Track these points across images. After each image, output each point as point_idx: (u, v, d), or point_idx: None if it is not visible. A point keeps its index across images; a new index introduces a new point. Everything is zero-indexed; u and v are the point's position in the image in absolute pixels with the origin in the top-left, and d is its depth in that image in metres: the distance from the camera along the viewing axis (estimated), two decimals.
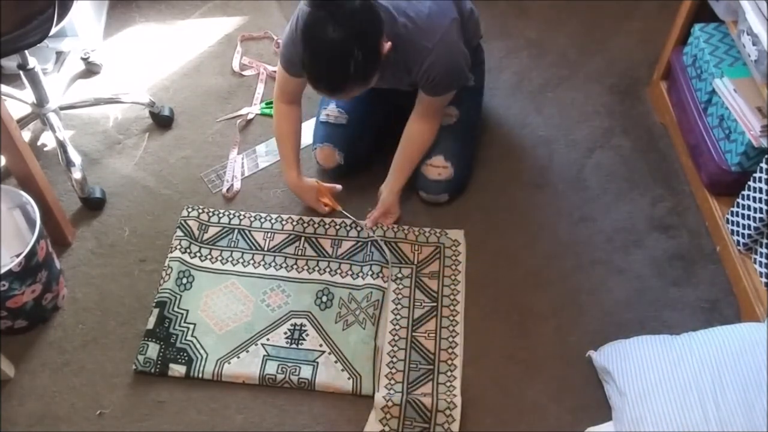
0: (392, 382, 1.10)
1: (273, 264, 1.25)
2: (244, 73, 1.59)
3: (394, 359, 1.13)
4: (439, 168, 1.26)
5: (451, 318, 1.18)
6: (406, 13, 1.06)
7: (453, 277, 1.23)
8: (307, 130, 1.47)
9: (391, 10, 1.05)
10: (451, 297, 1.21)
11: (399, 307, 1.19)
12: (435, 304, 1.20)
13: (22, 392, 1.10)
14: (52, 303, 1.18)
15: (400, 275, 1.22)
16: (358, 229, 1.29)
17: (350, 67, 0.97)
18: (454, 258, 1.25)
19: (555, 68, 1.58)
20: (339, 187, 1.29)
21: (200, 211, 1.32)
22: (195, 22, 1.70)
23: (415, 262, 1.24)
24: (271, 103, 1.53)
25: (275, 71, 1.58)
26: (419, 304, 1.20)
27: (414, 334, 1.16)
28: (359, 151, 1.32)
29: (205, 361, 1.12)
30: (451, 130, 1.27)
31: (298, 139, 1.27)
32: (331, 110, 1.32)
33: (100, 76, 1.58)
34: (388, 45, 1.02)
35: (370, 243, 1.26)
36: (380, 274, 1.21)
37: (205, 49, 1.64)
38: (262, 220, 1.31)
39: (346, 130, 1.30)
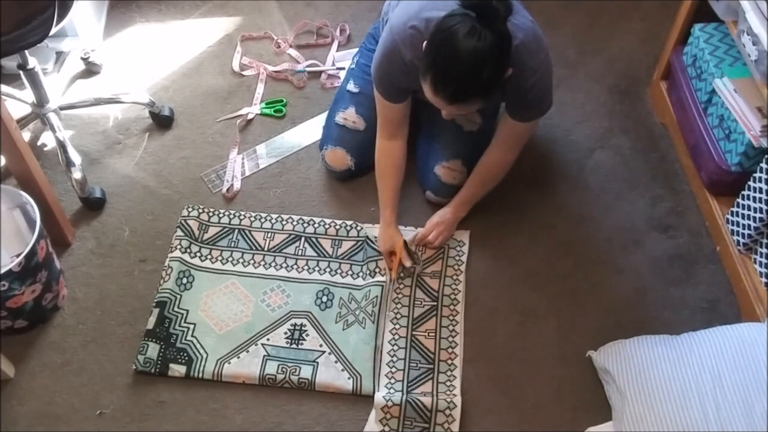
0: (392, 381, 1.10)
1: (273, 264, 1.25)
2: (244, 73, 1.58)
3: (394, 358, 1.13)
4: (455, 172, 1.25)
5: (451, 318, 1.18)
6: (517, 35, 1.01)
7: (455, 277, 1.23)
8: (307, 130, 1.48)
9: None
10: (452, 297, 1.21)
11: (399, 306, 1.19)
12: (435, 303, 1.20)
13: (22, 392, 1.10)
14: (52, 303, 1.18)
15: (402, 274, 1.22)
16: (359, 229, 1.29)
17: (479, 80, 0.94)
18: (457, 258, 1.25)
19: (555, 68, 1.57)
20: (408, 264, 1.19)
21: (200, 211, 1.32)
22: (195, 22, 1.70)
23: (421, 262, 1.24)
24: (270, 102, 1.54)
25: (275, 71, 1.59)
26: (419, 303, 1.20)
27: (414, 333, 1.16)
28: (370, 156, 1.30)
29: (205, 361, 1.12)
30: (473, 137, 1.26)
31: (399, 178, 1.21)
32: (350, 114, 1.30)
33: (100, 76, 1.58)
34: (510, 71, 0.99)
35: (365, 241, 1.26)
36: (377, 270, 1.21)
37: (205, 49, 1.63)
38: (262, 220, 1.31)
39: (361, 136, 1.28)
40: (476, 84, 0.96)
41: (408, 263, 1.19)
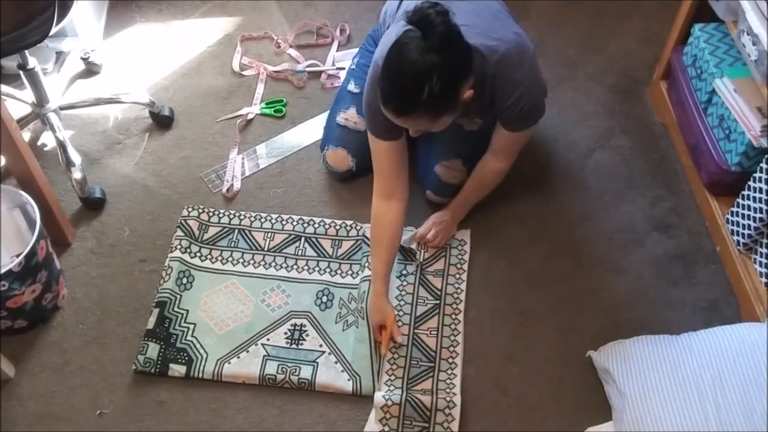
0: (392, 378, 1.10)
1: (273, 264, 1.25)
2: (244, 73, 1.58)
3: (396, 355, 1.13)
4: (455, 171, 1.25)
5: (454, 317, 1.18)
6: (498, 50, 1.02)
7: (458, 276, 1.23)
8: (308, 130, 1.48)
9: (483, 52, 1.02)
10: (455, 296, 1.20)
11: (402, 303, 1.19)
12: (438, 301, 1.20)
13: (22, 392, 1.10)
14: (52, 303, 1.18)
15: (405, 272, 1.22)
16: (359, 229, 1.29)
17: (423, 93, 0.93)
18: (459, 257, 1.25)
19: (555, 68, 1.58)
20: (399, 339, 1.11)
21: (200, 211, 1.32)
22: (195, 22, 1.70)
23: (421, 260, 1.24)
24: (270, 102, 1.54)
25: (275, 71, 1.59)
26: (422, 301, 1.19)
27: (416, 330, 1.16)
28: (365, 150, 1.31)
29: (205, 361, 1.12)
30: (474, 137, 1.26)
31: (395, 247, 1.13)
32: (351, 115, 1.30)
33: (100, 76, 1.58)
34: (469, 93, 0.99)
35: (363, 241, 1.26)
36: (367, 265, 1.20)
37: (205, 49, 1.63)
38: (262, 220, 1.31)
39: (362, 136, 1.27)
40: (417, 100, 0.95)
41: (399, 338, 1.10)
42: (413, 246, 1.24)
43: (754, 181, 1.13)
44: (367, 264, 1.20)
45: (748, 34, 1.12)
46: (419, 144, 1.34)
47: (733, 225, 1.21)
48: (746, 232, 1.16)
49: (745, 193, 1.15)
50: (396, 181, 1.14)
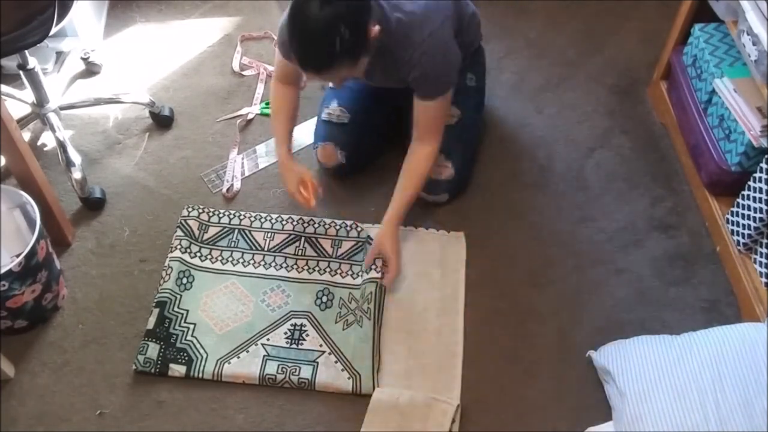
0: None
1: (273, 264, 1.25)
2: (244, 73, 1.58)
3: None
4: (440, 167, 1.25)
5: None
6: (400, 8, 1.07)
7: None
8: (307, 130, 1.48)
9: (383, 6, 1.06)
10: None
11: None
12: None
13: (22, 392, 1.10)
14: (52, 303, 1.18)
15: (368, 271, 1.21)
16: (359, 229, 1.29)
17: (336, 44, 0.96)
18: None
19: (555, 68, 1.58)
20: (320, 190, 1.24)
21: (200, 211, 1.32)
22: (195, 22, 1.70)
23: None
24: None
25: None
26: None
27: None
28: (361, 150, 1.32)
29: (205, 361, 1.12)
30: (453, 129, 1.27)
31: (292, 116, 1.26)
32: (333, 109, 1.31)
33: (100, 76, 1.58)
34: (376, 28, 1.01)
35: (367, 242, 1.26)
36: (373, 266, 1.20)
37: (205, 49, 1.63)
38: (262, 220, 1.31)
39: (348, 128, 1.30)
40: (332, 53, 0.98)
41: (320, 190, 1.22)
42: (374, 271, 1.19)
43: (754, 181, 1.13)
44: (372, 265, 1.20)
45: (748, 34, 1.12)
46: (405, 147, 1.34)
47: (733, 225, 1.21)
48: (746, 232, 1.16)
49: (745, 193, 1.15)
50: (295, 80, 1.24)
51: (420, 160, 1.20)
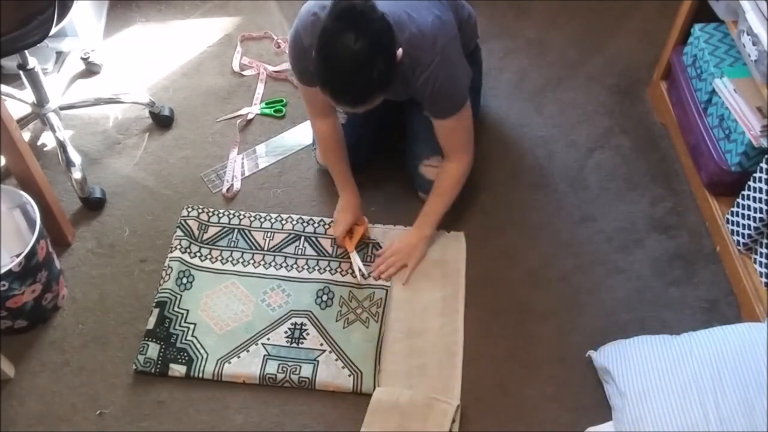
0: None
1: (273, 264, 1.25)
2: (244, 73, 1.58)
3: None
4: (437, 168, 1.25)
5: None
6: (409, 28, 1.03)
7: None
8: (305, 131, 1.48)
9: (392, 25, 1.02)
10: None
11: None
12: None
13: (22, 392, 1.10)
14: (52, 303, 1.18)
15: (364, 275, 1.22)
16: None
17: (374, 77, 0.94)
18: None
19: (555, 68, 1.58)
20: (367, 235, 1.22)
21: (200, 211, 1.32)
22: (195, 22, 1.70)
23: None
24: (270, 102, 1.54)
25: (275, 71, 1.59)
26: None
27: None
28: (359, 150, 1.32)
29: (206, 360, 1.12)
30: None
31: (344, 152, 1.23)
32: None
33: (100, 76, 1.58)
34: (400, 52, 0.99)
35: (371, 244, 1.26)
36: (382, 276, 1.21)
37: (205, 49, 1.63)
38: (262, 219, 1.31)
39: (346, 129, 1.29)
40: (369, 85, 0.96)
41: (353, 250, 1.20)
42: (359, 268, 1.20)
43: (754, 181, 1.13)
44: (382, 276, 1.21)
45: (748, 34, 1.12)
46: (405, 148, 1.34)
47: (733, 225, 1.21)
48: (746, 232, 1.16)
49: (745, 193, 1.15)
50: (327, 107, 1.18)
51: (446, 175, 1.21)
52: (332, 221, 1.27)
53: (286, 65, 1.58)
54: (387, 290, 1.19)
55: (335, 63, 0.94)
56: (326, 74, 0.97)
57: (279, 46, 1.63)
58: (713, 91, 1.25)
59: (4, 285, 1.05)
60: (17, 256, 1.07)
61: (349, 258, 1.24)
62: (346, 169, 1.24)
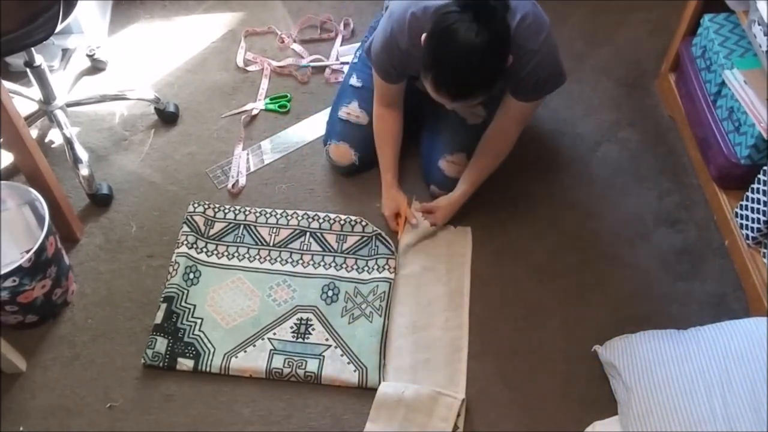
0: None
1: (279, 259, 1.26)
2: (248, 68, 1.58)
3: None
4: (459, 166, 1.25)
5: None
6: (515, 13, 1.01)
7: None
8: (311, 126, 1.48)
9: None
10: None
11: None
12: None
13: (33, 386, 1.12)
14: (62, 298, 1.19)
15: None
16: (364, 224, 1.29)
17: (488, 72, 0.93)
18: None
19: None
20: (414, 222, 1.23)
21: (206, 206, 1.33)
22: (199, 18, 1.70)
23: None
24: (275, 98, 1.54)
25: (279, 66, 1.59)
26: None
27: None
28: (374, 152, 1.30)
29: (213, 355, 1.13)
30: (477, 130, 1.25)
31: (398, 141, 1.26)
32: (353, 109, 1.30)
33: (106, 73, 1.59)
34: (510, 57, 0.98)
35: (374, 237, 1.27)
36: (386, 267, 1.21)
37: (209, 44, 1.63)
38: (268, 215, 1.32)
39: (364, 130, 1.28)
40: (477, 81, 0.95)
41: (413, 221, 1.22)
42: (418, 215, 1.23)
43: (764, 174, 1.11)
44: (385, 265, 1.20)
45: (759, 24, 1.10)
46: (423, 139, 1.33)
47: (742, 219, 1.19)
48: (755, 225, 1.15)
49: (755, 186, 1.14)
50: (396, 99, 1.21)
51: (498, 138, 1.18)
52: (379, 206, 1.29)
53: (291, 60, 1.58)
54: (390, 283, 1.19)
55: (451, 49, 0.92)
56: (437, 59, 0.95)
57: (283, 41, 1.62)
58: (723, 83, 1.23)
59: (14, 281, 1.07)
60: (27, 252, 1.09)
61: (352, 254, 1.24)
62: (393, 156, 1.25)
